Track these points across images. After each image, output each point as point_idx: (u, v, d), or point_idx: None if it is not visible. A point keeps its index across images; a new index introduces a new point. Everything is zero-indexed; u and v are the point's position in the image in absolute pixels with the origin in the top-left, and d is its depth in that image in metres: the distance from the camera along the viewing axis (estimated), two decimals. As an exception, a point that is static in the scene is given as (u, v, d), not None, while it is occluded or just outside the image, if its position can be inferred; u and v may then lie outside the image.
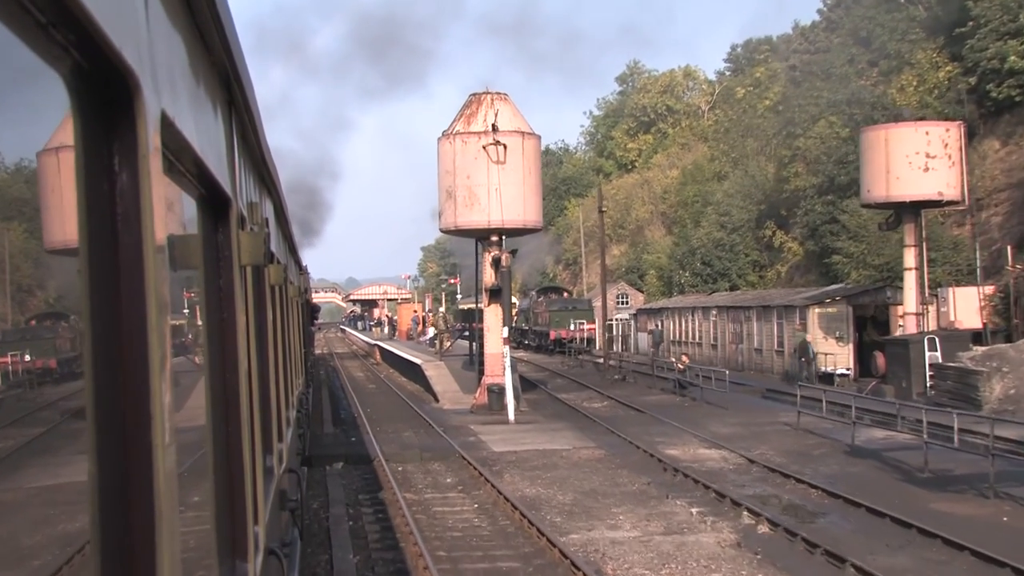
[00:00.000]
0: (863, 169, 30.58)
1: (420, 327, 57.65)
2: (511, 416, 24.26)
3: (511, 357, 26.14)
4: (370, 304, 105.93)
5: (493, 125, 26.65)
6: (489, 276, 27.43)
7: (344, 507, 14.97)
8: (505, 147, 26.52)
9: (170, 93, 1.81)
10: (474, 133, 26.91)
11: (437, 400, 30.14)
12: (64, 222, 1.44)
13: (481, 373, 28.13)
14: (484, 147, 26.52)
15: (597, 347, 52.10)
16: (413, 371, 38.74)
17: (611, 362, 38.04)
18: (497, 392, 25.97)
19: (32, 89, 1.32)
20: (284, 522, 5.57)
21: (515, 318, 62.20)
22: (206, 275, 2.60)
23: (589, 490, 15.62)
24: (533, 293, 60.59)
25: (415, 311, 64.89)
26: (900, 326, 31.25)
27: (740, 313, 39.81)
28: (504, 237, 27.43)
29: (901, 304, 31.52)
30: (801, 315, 33.55)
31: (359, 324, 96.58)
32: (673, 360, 30.95)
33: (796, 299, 35.30)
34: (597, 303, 56.81)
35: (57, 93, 1.34)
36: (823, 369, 31.28)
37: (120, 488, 1.42)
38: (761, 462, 17.15)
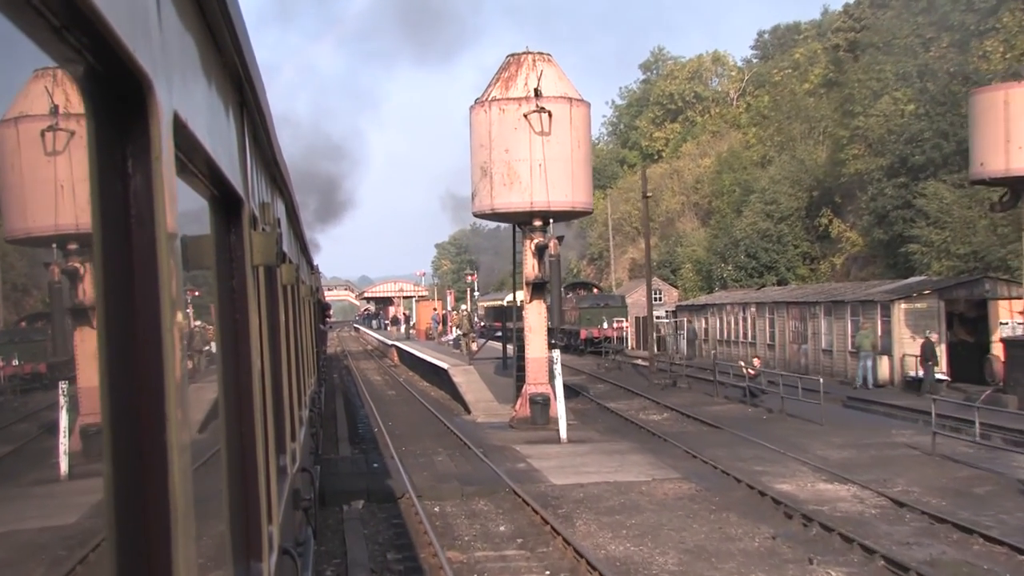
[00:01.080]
0: (974, 139, 27.74)
1: (441, 326, 58.17)
2: (563, 434, 22.95)
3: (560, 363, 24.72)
4: (385, 302, 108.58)
5: (536, 90, 25.14)
6: (531, 267, 25.90)
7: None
8: (550, 115, 25.03)
9: (182, 94, 1.99)
10: (513, 99, 25.38)
11: (468, 411, 29.22)
12: (25, 207, 1.54)
13: (520, 380, 26.78)
14: (525, 115, 25.03)
15: (628, 346, 53.39)
16: (437, 376, 38.08)
17: (659, 365, 37.59)
18: (541, 403, 25.04)
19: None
20: (298, 521, 5.94)
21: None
22: (219, 275, 2.86)
23: (695, 547, 13.11)
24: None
25: (435, 309, 65.29)
26: (1004, 323, 30.38)
27: (804, 309, 39.00)
28: (551, 221, 25.83)
29: (1003, 298, 30.59)
30: (884, 311, 32.50)
31: (373, 323, 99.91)
32: (742, 364, 30.03)
33: (874, 293, 34.32)
34: (628, 299, 58.80)
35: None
36: (910, 374, 30.66)
37: (135, 487, 1.58)
38: (913, 505, 14.72)
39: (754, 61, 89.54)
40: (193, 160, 2.30)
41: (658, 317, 54.68)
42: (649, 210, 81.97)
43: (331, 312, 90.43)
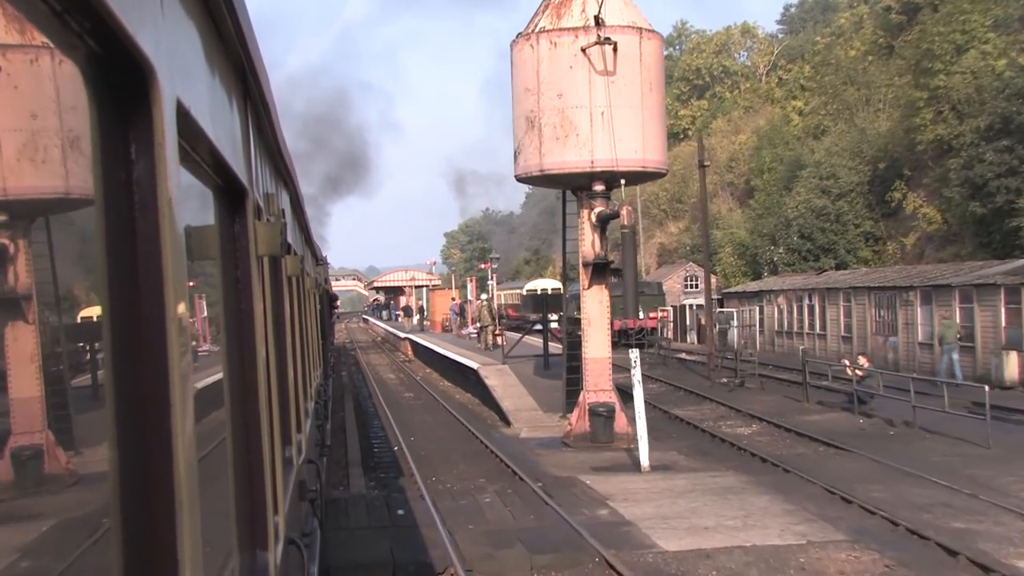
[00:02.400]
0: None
1: (460, 318, 58.65)
2: (644, 461, 19.65)
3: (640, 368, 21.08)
4: (395, 291, 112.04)
5: (596, 17, 22.01)
6: (590, 244, 23.28)
7: None
8: (615, 49, 22.10)
9: (185, 82, 2.20)
10: (568, 30, 22.50)
11: (508, 422, 27.12)
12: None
13: (571, 385, 24.95)
14: (583, 49, 22.19)
15: (664, 338, 54.01)
16: (463, 376, 37.49)
17: (723, 362, 36.83)
18: (605, 416, 22.92)
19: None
20: (304, 512, 6.40)
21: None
22: (223, 266, 3.16)
23: None
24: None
25: (453, 299, 66.74)
26: None
27: (894, 296, 37.61)
28: (623, 183, 22.65)
29: None
30: (1011, 296, 30.23)
31: (383, 313, 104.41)
32: (847, 364, 27.62)
33: (989, 275, 32.24)
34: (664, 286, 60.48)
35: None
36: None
37: (141, 477, 1.74)
38: None
39: (780, 36, 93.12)
40: (196, 149, 2.54)
41: (699, 306, 54.43)
42: (679, 192, 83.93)
43: (339, 303, 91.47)
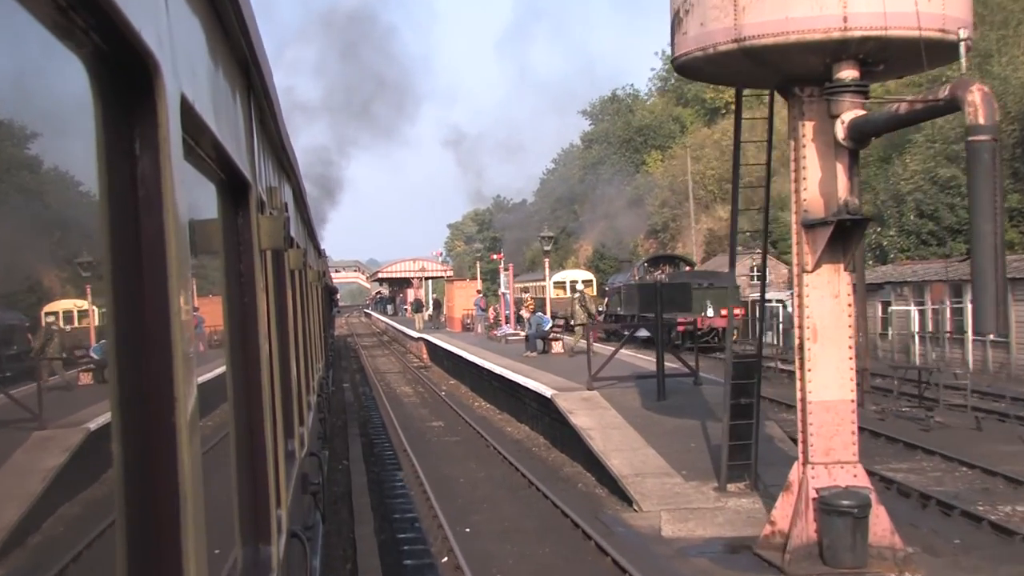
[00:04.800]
0: None
1: (492, 315, 49.56)
2: None
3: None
4: (402, 284, 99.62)
5: None
6: (820, 186, 13.34)
7: None
8: None
9: (190, 77, 2.21)
10: None
11: (627, 499, 16.44)
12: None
13: (739, 437, 15.70)
14: None
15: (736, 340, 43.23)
16: (515, 398, 27.10)
17: (924, 388, 25.10)
18: (854, 515, 12.58)
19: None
20: (306, 505, 6.45)
21: (604, 303, 51.03)
22: (227, 260, 3.19)
23: None
24: (637, 264, 52.15)
25: (478, 291, 54.93)
26: None
27: None
28: (881, 67, 13.06)
29: None
30: None
31: (388, 308, 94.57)
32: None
33: None
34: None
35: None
36: None
37: (145, 470, 1.76)
38: None
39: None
40: (200, 143, 2.57)
41: (778, 301, 43.36)
42: (726, 171, 76.21)
43: (339, 296, 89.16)
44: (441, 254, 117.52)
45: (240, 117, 3.42)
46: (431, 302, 68.65)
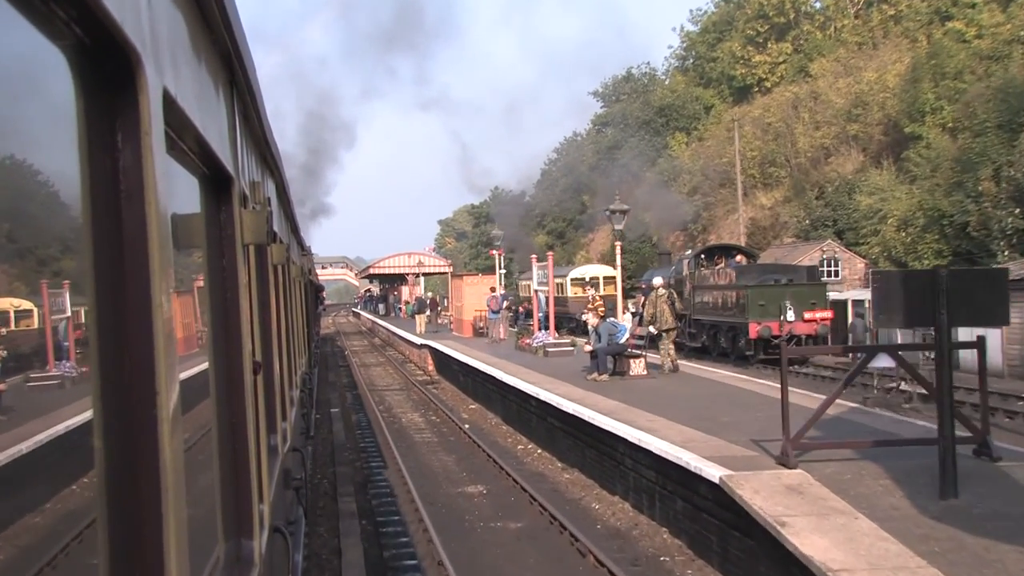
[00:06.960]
0: None
1: (497, 316, 40.79)
2: None
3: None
4: (395, 281, 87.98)
5: None
6: None
7: None
8: None
9: (172, 71, 2.21)
10: None
11: None
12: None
13: None
14: None
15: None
16: (596, 449, 16.54)
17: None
18: None
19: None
20: (289, 500, 6.44)
21: (648, 304, 37.08)
22: (209, 254, 3.17)
23: None
24: (688, 257, 42.37)
25: (492, 289, 44.27)
26: None
27: None
28: None
29: None
30: None
31: (380, 307, 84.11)
32: None
33: None
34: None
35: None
36: None
37: (126, 465, 1.75)
38: None
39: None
40: (183, 137, 2.55)
41: (856, 300, 38.37)
42: (770, 152, 63.03)
43: (325, 294, 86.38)
44: (433, 249, 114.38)
45: (223, 111, 3.40)
46: (428, 301, 58.81)
